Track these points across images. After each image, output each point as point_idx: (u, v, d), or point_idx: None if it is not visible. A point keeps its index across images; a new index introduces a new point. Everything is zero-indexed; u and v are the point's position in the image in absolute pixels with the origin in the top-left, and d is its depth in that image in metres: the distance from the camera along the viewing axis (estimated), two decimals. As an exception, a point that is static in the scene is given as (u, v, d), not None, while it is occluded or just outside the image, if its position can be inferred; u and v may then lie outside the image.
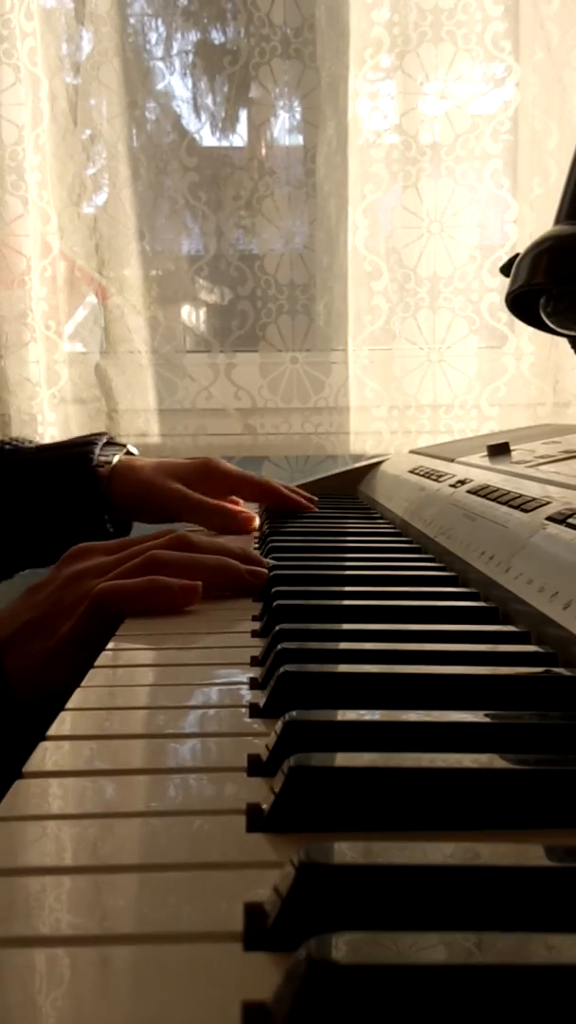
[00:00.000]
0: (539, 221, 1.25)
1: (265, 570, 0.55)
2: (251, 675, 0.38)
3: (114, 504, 0.75)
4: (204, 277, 1.36)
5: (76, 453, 0.76)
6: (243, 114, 1.35)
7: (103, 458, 0.77)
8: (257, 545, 0.73)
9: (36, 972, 0.19)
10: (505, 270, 0.67)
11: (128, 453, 0.82)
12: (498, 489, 0.58)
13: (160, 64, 1.33)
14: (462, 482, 0.67)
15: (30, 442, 0.84)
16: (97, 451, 0.77)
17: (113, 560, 0.54)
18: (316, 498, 0.89)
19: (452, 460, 0.82)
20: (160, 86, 1.33)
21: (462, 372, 1.31)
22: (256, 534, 0.80)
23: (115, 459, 0.78)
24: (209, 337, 1.36)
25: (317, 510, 0.86)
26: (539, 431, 0.93)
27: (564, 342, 0.75)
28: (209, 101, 1.34)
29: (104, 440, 0.79)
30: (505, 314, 1.19)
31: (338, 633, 0.42)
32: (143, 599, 0.50)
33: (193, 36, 1.32)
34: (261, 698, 0.34)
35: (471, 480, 0.65)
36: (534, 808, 0.24)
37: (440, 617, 0.45)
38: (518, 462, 0.69)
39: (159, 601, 0.51)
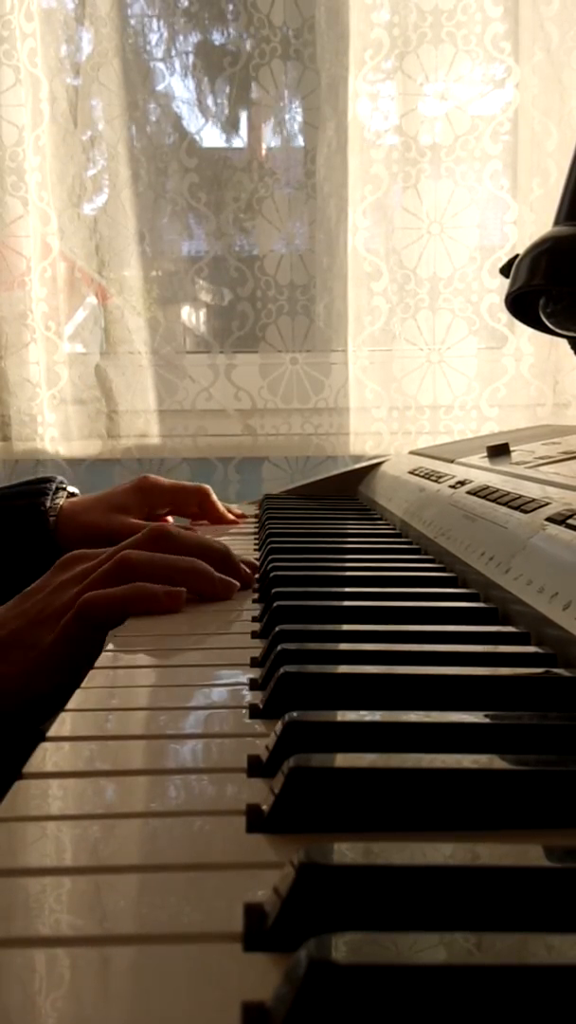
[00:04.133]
0: (539, 222, 1.25)
1: (237, 583, 0.54)
2: (251, 676, 0.38)
3: (65, 550, 0.76)
4: (204, 278, 1.36)
5: (28, 504, 0.77)
6: (243, 115, 1.35)
7: (57, 501, 0.78)
8: (256, 546, 0.73)
9: (36, 973, 0.19)
10: (505, 271, 0.67)
11: (71, 495, 0.82)
12: (498, 490, 0.58)
13: (160, 65, 1.33)
14: (462, 483, 0.67)
15: None
16: (48, 501, 0.77)
17: (93, 565, 0.54)
18: (244, 515, 0.92)
19: (452, 461, 0.82)
20: (160, 87, 1.33)
21: (462, 373, 1.31)
22: (254, 533, 0.80)
23: (59, 501, 0.78)
24: (209, 338, 1.36)
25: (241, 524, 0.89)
26: (539, 432, 0.93)
27: (564, 343, 0.75)
28: (209, 102, 1.34)
29: (54, 487, 0.80)
30: (505, 315, 1.19)
31: (338, 634, 0.42)
32: (127, 606, 0.50)
33: (193, 37, 1.33)
34: (261, 699, 0.34)
35: (471, 481, 0.65)
36: (534, 808, 0.24)
37: (440, 618, 0.45)
38: (518, 463, 0.69)
39: (143, 608, 0.50)
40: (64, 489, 0.81)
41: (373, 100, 1.29)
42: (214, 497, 0.87)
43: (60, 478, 0.82)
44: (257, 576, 0.57)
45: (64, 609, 0.51)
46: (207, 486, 0.87)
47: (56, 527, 0.76)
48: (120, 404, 1.35)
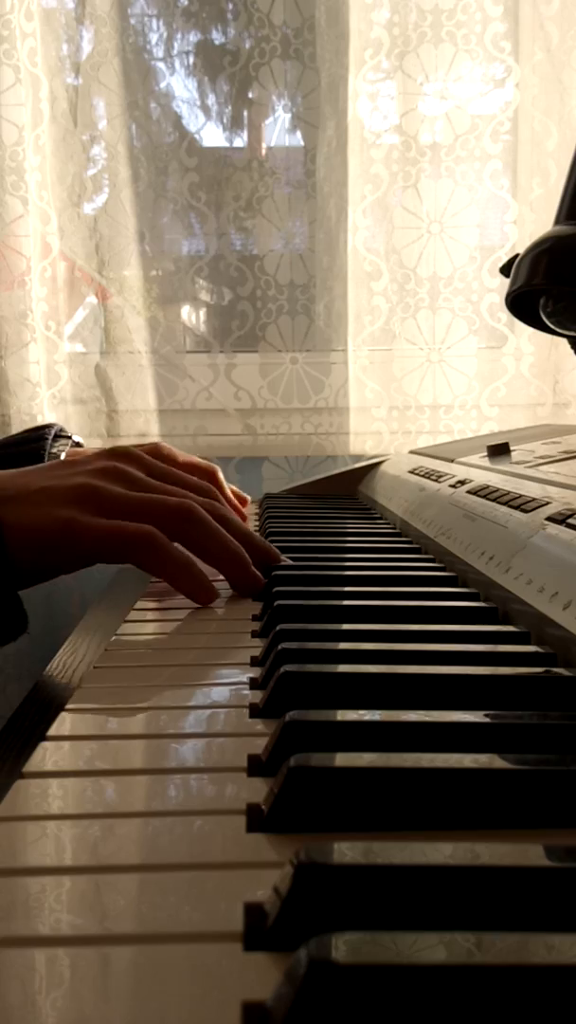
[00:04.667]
0: (539, 222, 1.25)
1: (264, 581, 0.55)
2: (251, 675, 0.38)
3: None
4: (204, 277, 1.36)
5: (28, 450, 0.76)
6: (243, 114, 1.35)
7: (54, 451, 0.77)
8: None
9: (36, 972, 0.19)
10: (505, 271, 0.67)
11: (76, 444, 0.81)
12: (498, 489, 0.58)
13: (160, 64, 1.33)
14: (462, 482, 0.67)
15: None
16: (48, 446, 0.76)
17: (152, 485, 0.54)
18: (247, 499, 0.90)
19: (452, 460, 0.82)
20: (160, 86, 1.33)
21: (462, 372, 1.31)
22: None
23: (62, 454, 0.77)
24: (209, 337, 1.36)
25: (246, 512, 0.87)
26: (539, 431, 0.93)
27: (564, 342, 0.75)
28: (209, 101, 1.34)
29: (53, 432, 0.78)
30: (505, 314, 1.19)
31: (338, 633, 0.42)
32: (173, 573, 0.50)
33: (193, 36, 1.32)
34: (261, 698, 0.34)
35: (471, 480, 0.65)
36: (534, 808, 0.24)
37: (440, 617, 0.45)
38: (518, 462, 0.69)
39: (182, 584, 0.51)
40: (67, 437, 0.80)
41: (373, 99, 1.29)
42: (221, 477, 0.85)
43: (60, 425, 0.81)
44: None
45: (112, 501, 0.50)
46: (215, 466, 0.85)
47: None
48: (120, 404, 1.34)
